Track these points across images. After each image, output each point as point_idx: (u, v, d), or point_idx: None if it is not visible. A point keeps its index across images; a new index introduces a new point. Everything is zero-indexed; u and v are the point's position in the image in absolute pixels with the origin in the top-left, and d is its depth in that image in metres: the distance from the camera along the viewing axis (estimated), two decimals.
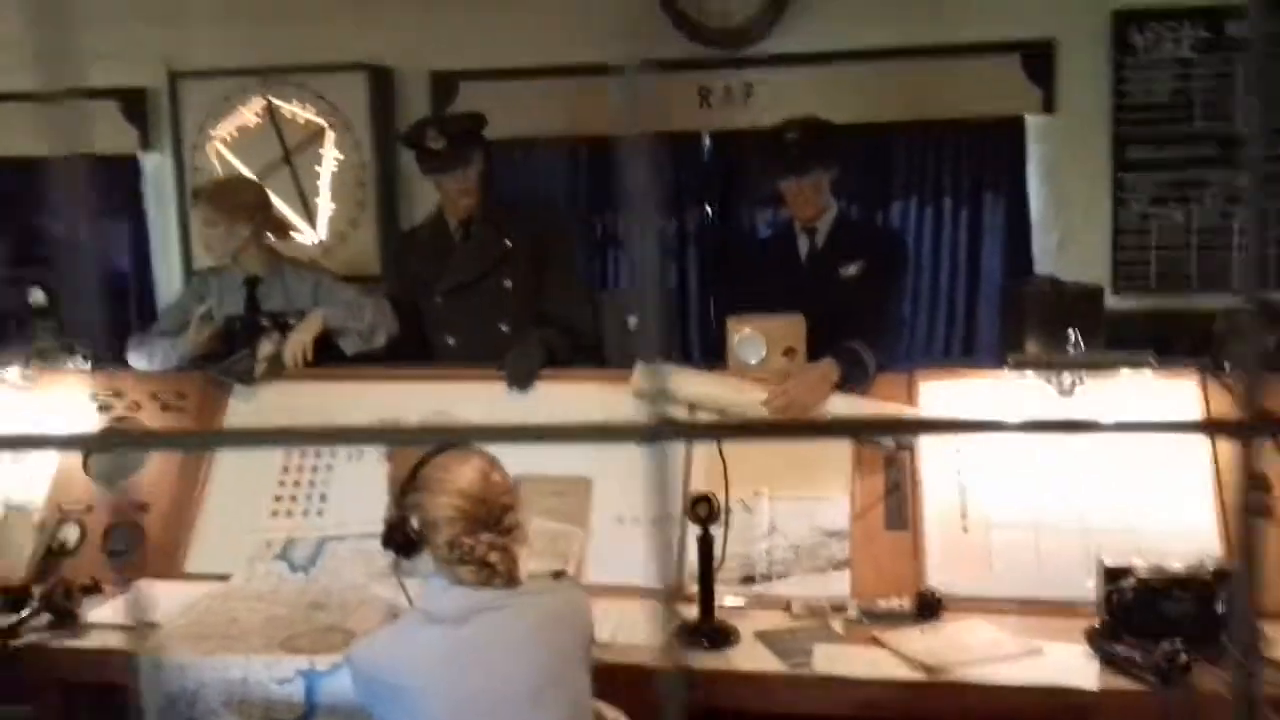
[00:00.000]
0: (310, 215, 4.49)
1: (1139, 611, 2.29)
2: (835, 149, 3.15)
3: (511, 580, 1.93)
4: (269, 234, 3.52)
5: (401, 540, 1.95)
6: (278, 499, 2.99)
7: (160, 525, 2.96)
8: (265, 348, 3.21)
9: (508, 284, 3.37)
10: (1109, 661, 2.23)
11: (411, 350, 3.42)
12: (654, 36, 4.06)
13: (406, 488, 1.95)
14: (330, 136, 4.43)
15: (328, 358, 3.25)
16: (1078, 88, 3.95)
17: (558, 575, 2.10)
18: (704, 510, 2.41)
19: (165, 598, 2.67)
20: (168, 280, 4.70)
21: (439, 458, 1.95)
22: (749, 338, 2.93)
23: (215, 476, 3.04)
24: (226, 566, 2.86)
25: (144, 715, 1.87)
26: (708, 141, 4.34)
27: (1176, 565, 2.33)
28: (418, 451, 1.98)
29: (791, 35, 4.10)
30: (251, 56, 4.33)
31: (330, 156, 4.46)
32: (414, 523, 1.93)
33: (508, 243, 3.38)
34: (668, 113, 4.19)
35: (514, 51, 4.25)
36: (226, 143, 4.47)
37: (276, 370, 3.19)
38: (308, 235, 4.45)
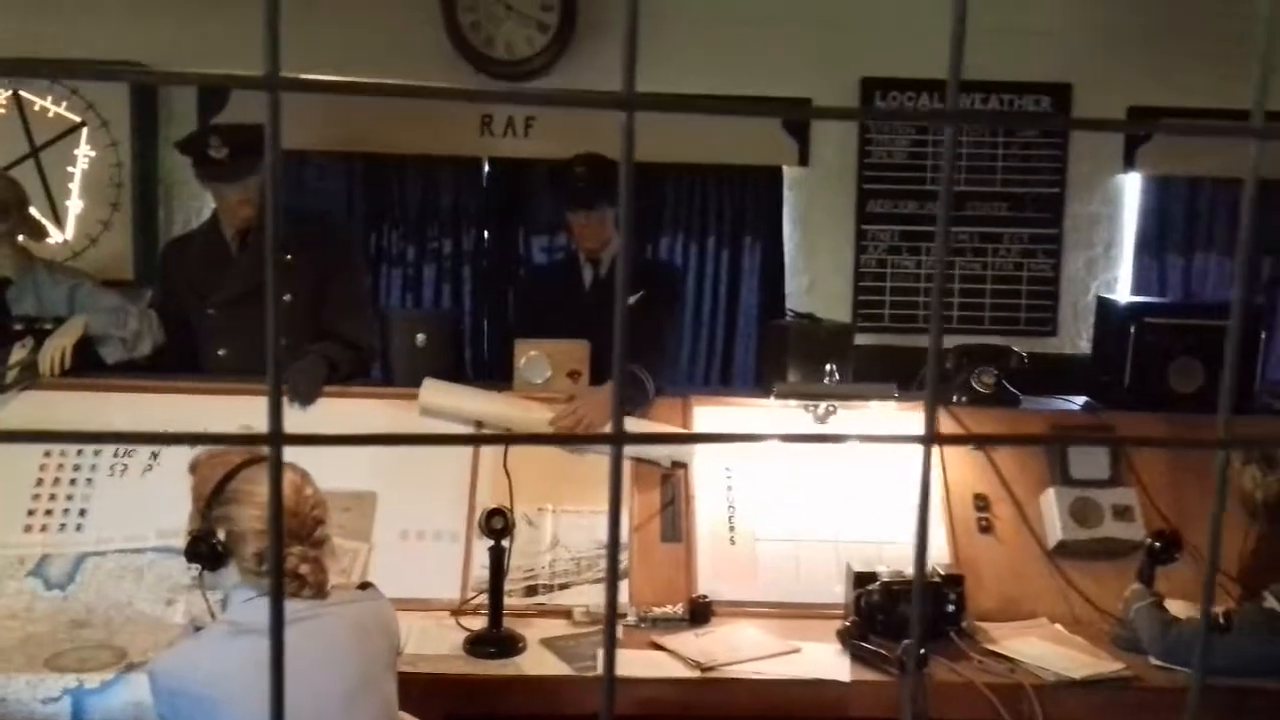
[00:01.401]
0: (57, 214, 4.22)
1: (883, 612, 2.57)
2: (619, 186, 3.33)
3: (320, 591, 1.95)
4: (23, 234, 3.31)
5: (207, 552, 1.92)
6: (31, 513, 2.81)
7: None
8: (17, 354, 3.02)
9: (287, 297, 3.32)
10: (858, 656, 2.49)
11: (177, 361, 3.31)
12: (440, 62, 4.13)
13: (212, 500, 1.93)
14: (84, 133, 4.19)
15: (86, 366, 3.10)
16: (829, 145, 4.36)
17: (364, 586, 2.13)
18: (498, 523, 2.50)
19: None
20: None
21: (247, 470, 1.94)
22: (535, 359, 3.05)
23: None
24: None
25: None
26: (487, 167, 4.43)
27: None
28: (224, 463, 1.96)
29: (573, 72, 4.28)
30: (4, 46, 4.05)
31: (83, 154, 4.22)
32: (221, 535, 1.91)
33: (287, 255, 3.33)
34: (447, 138, 4.27)
35: (287, 60, 4.18)
36: None
37: (29, 377, 3.00)
38: (54, 235, 4.18)
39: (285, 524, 1.92)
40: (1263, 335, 3.31)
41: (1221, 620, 2.37)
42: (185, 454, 2.73)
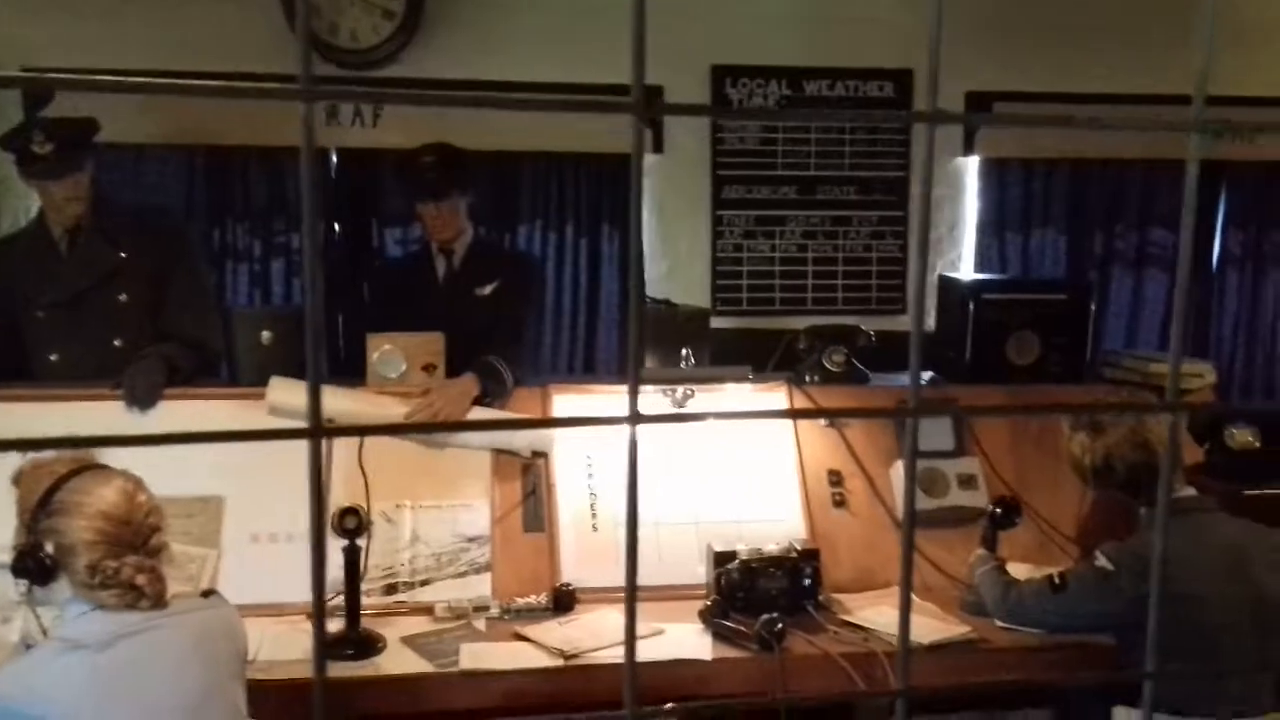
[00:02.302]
0: None
1: (743, 589, 2.62)
2: (470, 175, 3.30)
3: (159, 602, 1.87)
4: None
5: (35, 567, 1.83)
6: None
7: None
8: None
9: (122, 297, 3.18)
10: (719, 635, 2.53)
11: (6, 366, 3.13)
12: (282, 50, 4.00)
13: (39, 512, 1.83)
14: None
15: None
16: (683, 132, 4.39)
17: (207, 594, 2.05)
18: (352, 522, 2.45)
19: None
20: None
21: (75, 480, 1.85)
22: (389, 354, 2.99)
23: None
24: None
25: None
26: (334, 159, 4.32)
27: (772, 548, 2.69)
28: (50, 473, 1.86)
29: (420, 61, 4.20)
30: None
31: None
32: (49, 548, 1.82)
33: (122, 254, 3.18)
34: (292, 128, 4.14)
35: (113, 54, 4.01)
36: None
37: None
38: None
39: (118, 533, 1.84)
40: (1093, 308, 3.48)
41: (1057, 580, 2.48)
42: (9, 465, 2.59)
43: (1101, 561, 2.41)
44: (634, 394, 0.56)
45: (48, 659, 1.84)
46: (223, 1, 4.06)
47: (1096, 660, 2.50)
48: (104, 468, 1.92)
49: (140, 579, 1.85)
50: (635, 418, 0.56)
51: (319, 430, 0.49)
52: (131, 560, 1.85)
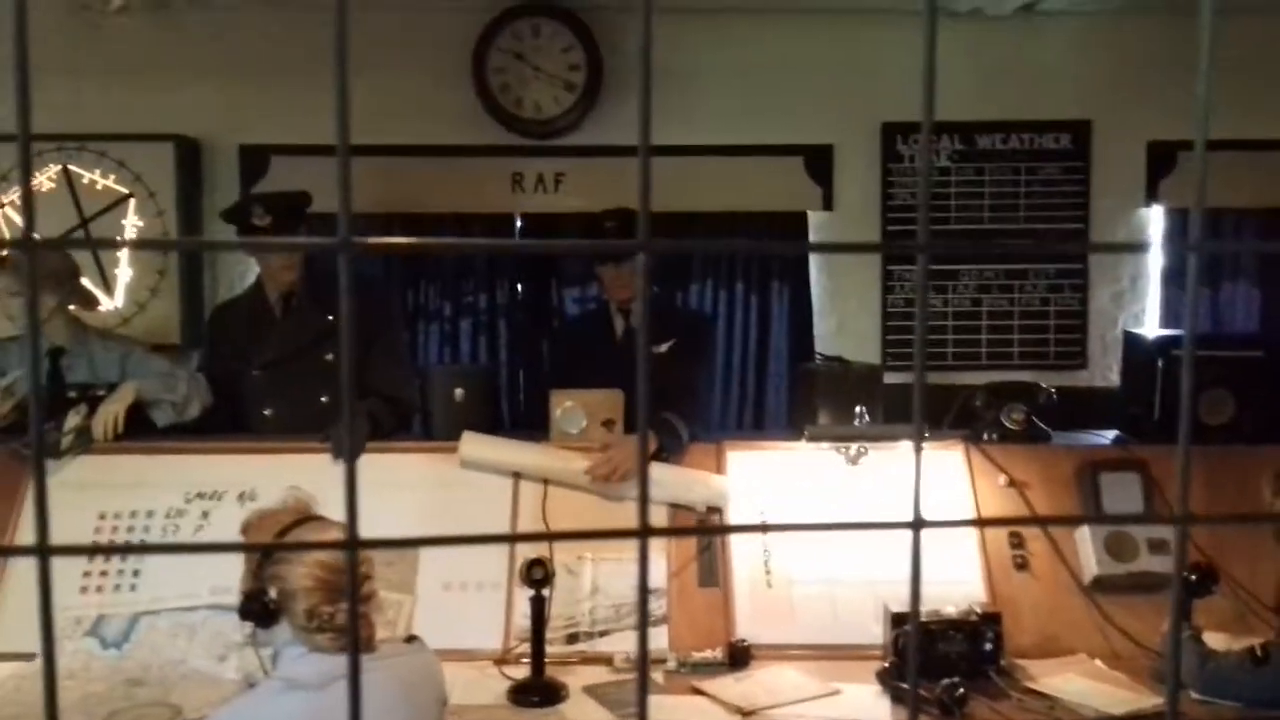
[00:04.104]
0: (107, 283, 4.37)
1: (921, 652, 2.60)
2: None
3: (369, 645, 2.02)
4: (75, 304, 3.44)
5: (259, 610, 1.99)
6: (86, 574, 2.91)
7: None
8: (72, 419, 3.13)
9: (329, 357, 3.43)
10: (897, 698, 2.52)
11: (224, 422, 3.41)
12: (471, 122, 4.26)
13: (264, 559, 2.00)
14: (132, 204, 4.35)
15: (138, 429, 3.20)
16: (852, 188, 4.43)
17: (410, 640, 2.19)
18: (539, 573, 2.56)
19: None
20: None
21: (298, 530, 2.02)
22: (571, 410, 3.12)
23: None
24: (31, 645, 2.75)
25: None
26: (519, 223, 4.55)
27: (951, 610, 2.66)
28: (275, 523, 2.04)
29: (599, 128, 4.39)
30: (50, 122, 4.22)
31: (130, 224, 4.38)
32: (272, 593, 1.98)
33: (329, 317, 3.44)
34: (480, 198, 4.39)
35: (326, 128, 4.32)
36: (17, 208, 4.30)
37: (84, 443, 3.11)
38: (104, 303, 4.33)
39: (334, 581, 1.99)
40: None
41: (1259, 652, 2.37)
42: (234, 512, 2.83)
43: None
44: (644, 508, 0.60)
45: (269, 697, 1.99)
46: (420, 75, 4.35)
47: None
48: (322, 519, 2.08)
49: None
50: (645, 530, 0.59)
51: (355, 543, 0.55)
52: (344, 606, 1.99)
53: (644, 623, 0.61)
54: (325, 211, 3.98)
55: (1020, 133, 4.40)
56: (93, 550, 0.49)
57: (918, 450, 0.63)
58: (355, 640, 0.56)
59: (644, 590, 0.67)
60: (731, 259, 4.54)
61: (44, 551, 0.49)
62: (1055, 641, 2.81)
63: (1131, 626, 2.79)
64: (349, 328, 0.56)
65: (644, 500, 0.65)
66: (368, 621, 2.03)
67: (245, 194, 4.01)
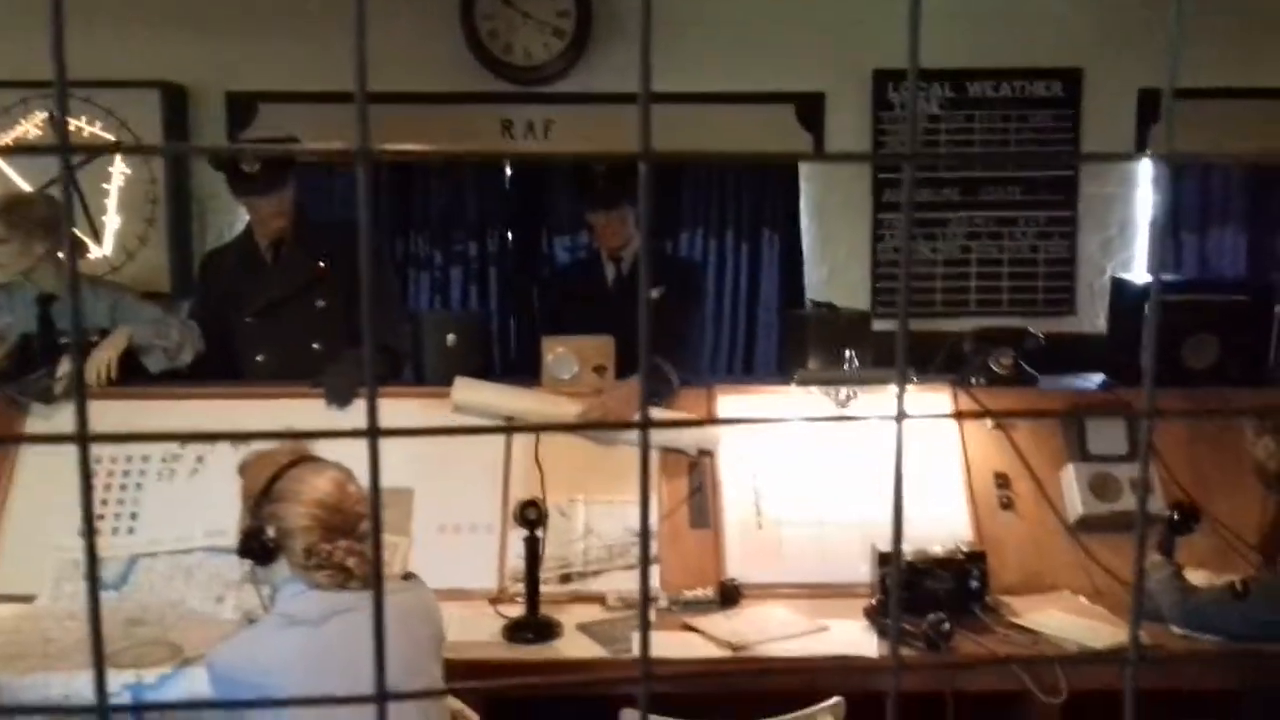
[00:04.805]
0: (96, 231, 4.35)
1: (908, 590, 2.65)
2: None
3: (367, 582, 2.05)
4: (64, 252, 3.43)
5: (258, 548, 2.02)
6: None
7: None
8: (64, 366, 3.14)
9: (320, 304, 3.44)
10: (884, 633, 2.57)
11: (216, 369, 3.43)
12: (460, 69, 4.24)
13: (262, 499, 2.03)
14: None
15: (131, 376, 3.21)
16: (843, 136, 4.42)
17: (407, 577, 2.22)
18: (533, 514, 2.60)
19: None
20: None
21: (294, 469, 2.04)
22: (562, 356, 3.14)
23: (14, 496, 2.95)
24: (31, 587, 2.79)
25: None
26: (509, 171, 4.53)
27: (937, 549, 2.71)
28: (272, 463, 2.06)
29: (589, 75, 4.37)
30: (35, 69, 4.17)
31: (119, 172, 4.35)
32: (270, 532, 2.01)
33: (320, 264, 3.44)
34: (471, 142, 4.37)
35: (314, 75, 4.30)
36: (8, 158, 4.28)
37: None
38: (93, 251, 4.32)
39: (331, 520, 2.02)
40: (1276, 309, 3.34)
41: (1239, 587, 2.43)
42: (228, 457, 2.85)
43: None
44: (644, 458, 0.63)
45: (270, 632, 2.03)
46: (406, 22, 4.31)
47: (1276, 668, 2.43)
48: (318, 459, 2.11)
49: (350, 561, 2.02)
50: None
51: (375, 430, 0.57)
52: (343, 544, 2.02)
53: (645, 558, 0.64)
54: (315, 160, 3.97)
55: (1011, 80, 4.39)
56: (133, 438, 0.50)
57: (903, 326, 0.65)
58: (377, 522, 0.58)
59: (645, 533, 0.70)
60: (722, 207, 4.54)
61: (84, 439, 0.52)
62: (1039, 578, 2.86)
63: (1114, 564, 2.85)
64: (367, 237, 0.58)
65: (645, 450, 0.67)
66: (365, 559, 2.06)
67: (234, 141, 3.99)
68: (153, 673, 2.39)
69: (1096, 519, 2.90)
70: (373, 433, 0.57)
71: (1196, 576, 2.63)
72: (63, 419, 3.10)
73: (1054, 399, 3.21)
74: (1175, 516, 2.68)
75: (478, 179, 4.50)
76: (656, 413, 3.03)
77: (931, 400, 3.14)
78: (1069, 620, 2.62)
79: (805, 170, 4.51)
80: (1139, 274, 4.33)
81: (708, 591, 2.78)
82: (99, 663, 0.55)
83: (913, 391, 3.10)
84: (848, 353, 3.12)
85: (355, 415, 3.10)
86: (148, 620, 2.69)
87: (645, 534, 0.70)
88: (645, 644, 0.65)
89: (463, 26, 4.23)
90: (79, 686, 2.36)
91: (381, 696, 0.59)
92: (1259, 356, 3.24)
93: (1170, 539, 2.67)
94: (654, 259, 3.53)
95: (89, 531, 0.53)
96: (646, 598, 0.68)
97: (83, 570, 2.84)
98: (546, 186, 4.51)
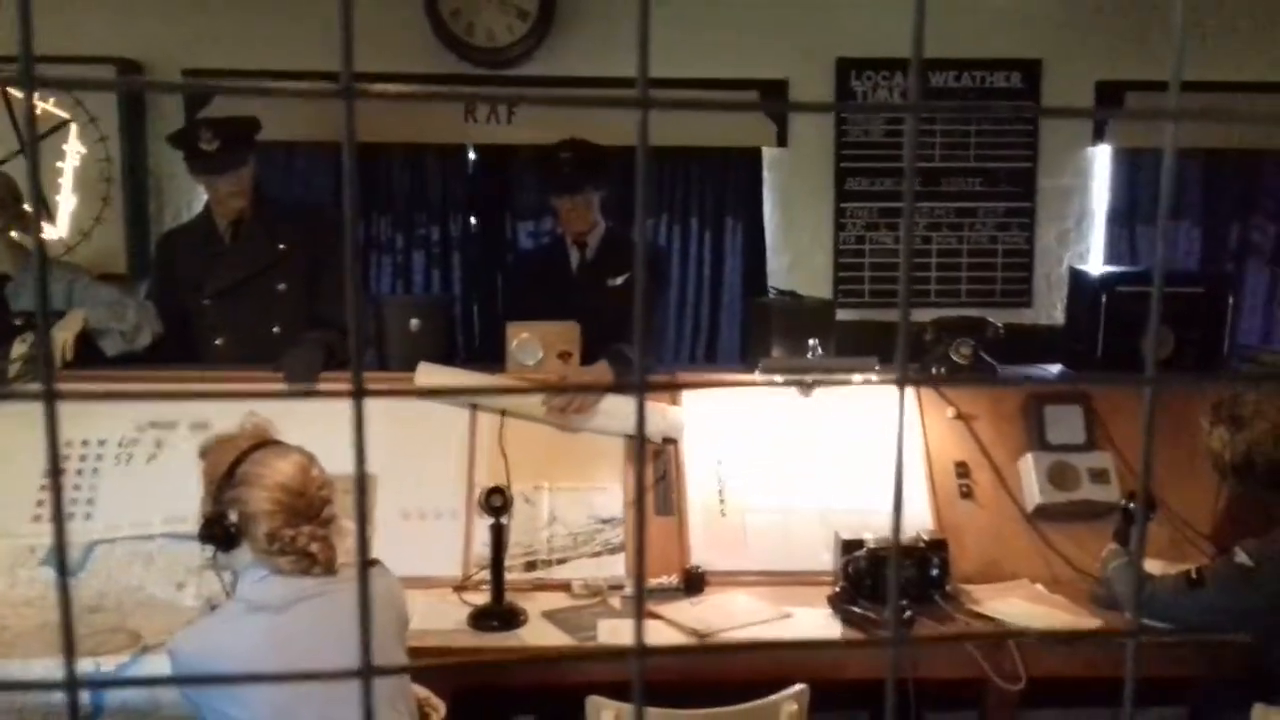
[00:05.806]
0: (49, 210, 4.26)
1: (870, 577, 2.68)
2: (604, 170, 3.42)
3: (330, 568, 2.03)
4: (16, 230, 3.36)
5: (220, 534, 2.00)
6: (40, 504, 2.88)
7: None
8: (18, 348, 3.07)
9: (280, 286, 3.39)
10: (847, 620, 2.60)
11: (174, 352, 3.37)
12: (422, 50, 4.19)
13: (224, 483, 2.00)
14: (74, 129, 4.23)
15: (87, 358, 3.15)
16: (807, 126, 4.44)
17: (371, 564, 2.20)
18: (497, 501, 2.59)
19: None
20: None
21: (256, 453, 2.02)
22: (527, 342, 3.13)
23: None
24: None
25: None
26: (472, 154, 4.49)
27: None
28: (234, 448, 2.03)
29: (553, 58, 4.34)
30: None
31: (73, 151, 4.26)
32: (233, 516, 1.99)
33: (280, 246, 3.39)
34: (433, 128, 4.33)
35: (271, 54, 4.24)
36: None
37: (32, 371, 3.06)
38: (48, 231, 4.22)
39: (294, 504, 2.00)
40: (1230, 301, 3.41)
41: (1194, 575, 2.48)
42: (188, 442, 2.81)
43: (1242, 558, 2.40)
44: (641, 446, 0.63)
45: (232, 619, 2.01)
46: (367, 2, 4.26)
47: (1232, 657, 2.49)
48: (281, 444, 2.08)
49: (314, 546, 2.00)
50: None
51: (360, 391, 0.56)
52: (306, 529, 2.00)
53: (642, 522, 0.64)
54: (276, 139, 3.91)
55: (971, 70, 4.43)
56: (102, 396, 0.49)
57: (904, 291, 0.65)
58: (360, 482, 0.57)
59: (640, 498, 0.70)
60: (686, 194, 4.53)
61: (51, 396, 0.51)
62: (998, 567, 2.91)
63: (1071, 553, 2.90)
64: (351, 175, 0.56)
65: (641, 439, 0.67)
66: (329, 545, 2.04)
67: (191, 119, 3.91)
68: (111, 660, 2.36)
69: (1054, 508, 2.95)
70: (358, 394, 0.56)
71: (1152, 566, 2.68)
72: (18, 401, 3.04)
73: (1014, 390, 3.25)
74: (1131, 506, 2.73)
75: (441, 162, 4.46)
76: (621, 401, 3.03)
77: (893, 389, 3.16)
78: (1028, 608, 2.66)
79: (768, 157, 4.51)
80: (1095, 266, 4.40)
81: (672, 579, 2.79)
82: (68, 641, 0.54)
83: (872, 379, 3.12)
84: (811, 341, 3.14)
85: (318, 405, 3.07)
86: (106, 607, 2.65)
87: (640, 499, 0.70)
88: (639, 621, 0.65)
89: (425, 7, 4.18)
90: (36, 674, 2.33)
91: (367, 671, 0.58)
92: (1214, 348, 3.30)
93: (1126, 528, 2.72)
94: (617, 243, 3.53)
95: (55, 485, 0.52)
96: (643, 575, 0.68)
97: (39, 557, 2.79)
98: (510, 170, 4.48)
